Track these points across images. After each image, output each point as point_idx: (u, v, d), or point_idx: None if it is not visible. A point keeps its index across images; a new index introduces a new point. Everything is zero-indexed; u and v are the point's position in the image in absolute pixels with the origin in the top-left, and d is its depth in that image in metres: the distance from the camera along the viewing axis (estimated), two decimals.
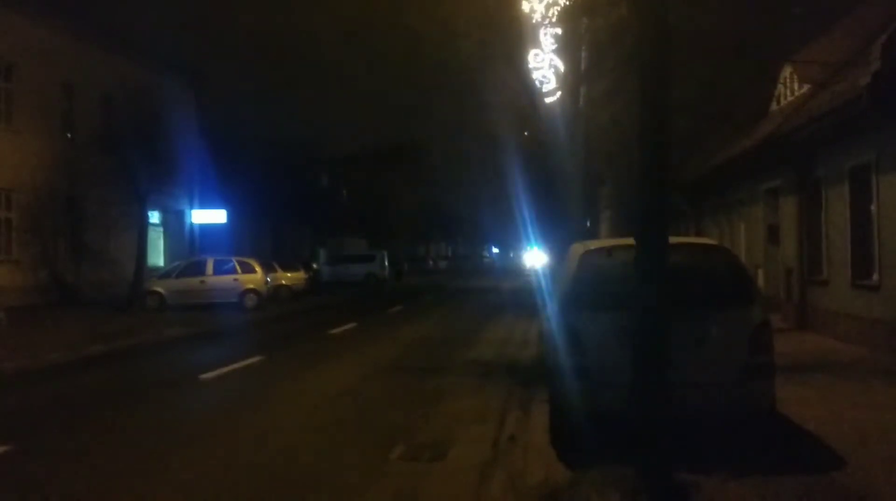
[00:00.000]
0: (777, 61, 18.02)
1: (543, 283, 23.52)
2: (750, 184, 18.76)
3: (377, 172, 61.14)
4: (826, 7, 18.19)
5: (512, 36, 17.13)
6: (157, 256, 31.16)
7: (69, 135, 26.01)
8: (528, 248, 62.59)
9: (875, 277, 11.99)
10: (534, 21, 15.88)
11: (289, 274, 30.90)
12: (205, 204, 33.95)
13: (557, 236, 19.73)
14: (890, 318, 11.40)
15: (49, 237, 23.93)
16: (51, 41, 24.62)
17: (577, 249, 8.00)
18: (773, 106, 18.80)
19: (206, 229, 34.27)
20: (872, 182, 11.95)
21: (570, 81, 16.66)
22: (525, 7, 15.70)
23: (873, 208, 12.02)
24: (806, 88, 16.53)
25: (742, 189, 19.55)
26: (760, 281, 17.30)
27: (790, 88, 17.66)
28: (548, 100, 18.03)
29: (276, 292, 28.54)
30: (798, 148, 14.73)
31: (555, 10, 15.23)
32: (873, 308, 12.04)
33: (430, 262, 73.89)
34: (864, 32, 14.54)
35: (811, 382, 9.64)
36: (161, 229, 32.05)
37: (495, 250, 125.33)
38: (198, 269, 25.78)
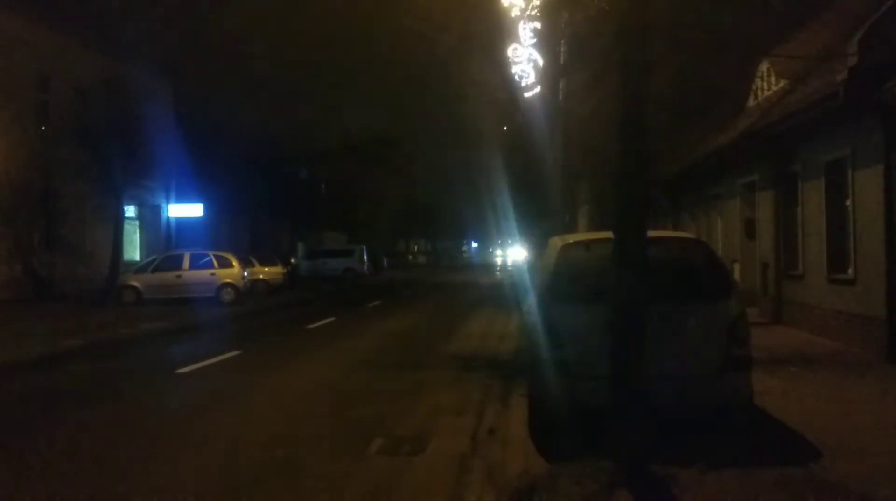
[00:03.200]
0: (755, 56, 18.11)
1: (520, 278, 23.58)
2: (727, 179, 18.87)
3: (357, 166, 60.93)
4: (804, 1, 18.27)
5: (492, 30, 17.11)
6: (132, 250, 30.89)
7: (43, 128, 25.67)
8: (503, 247, 62.77)
9: (850, 271, 12.09)
10: (513, 15, 15.87)
11: (266, 269, 30.70)
12: (181, 198, 33.67)
13: (536, 230, 19.80)
14: (865, 312, 11.51)
15: (23, 231, 23.61)
16: (25, 33, 24.27)
17: (556, 242, 8.01)
18: (751, 101, 18.90)
19: (183, 223, 33.99)
20: (848, 177, 12.05)
21: (550, 75, 16.69)
22: (504, 1, 15.68)
23: (848, 202, 12.13)
24: (783, 83, 16.63)
25: (719, 184, 19.66)
26: (737, 275, 17.40)
27: (767, 82, 17.76)
28: (527, 94, 18.06)
29: (254, 286, 28.38)
30: (775, 143, 14.83)
31: (534, 4, 15.23)
32: (848, 302, 12.16)
33: (410, 257, 73.84)
34: (841, 27, 14.62)
35: (788, 375, 9.75)
36: (137, 223, 31.77)
37: (474, 246, 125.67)
38: (174, 263, 25.54)
